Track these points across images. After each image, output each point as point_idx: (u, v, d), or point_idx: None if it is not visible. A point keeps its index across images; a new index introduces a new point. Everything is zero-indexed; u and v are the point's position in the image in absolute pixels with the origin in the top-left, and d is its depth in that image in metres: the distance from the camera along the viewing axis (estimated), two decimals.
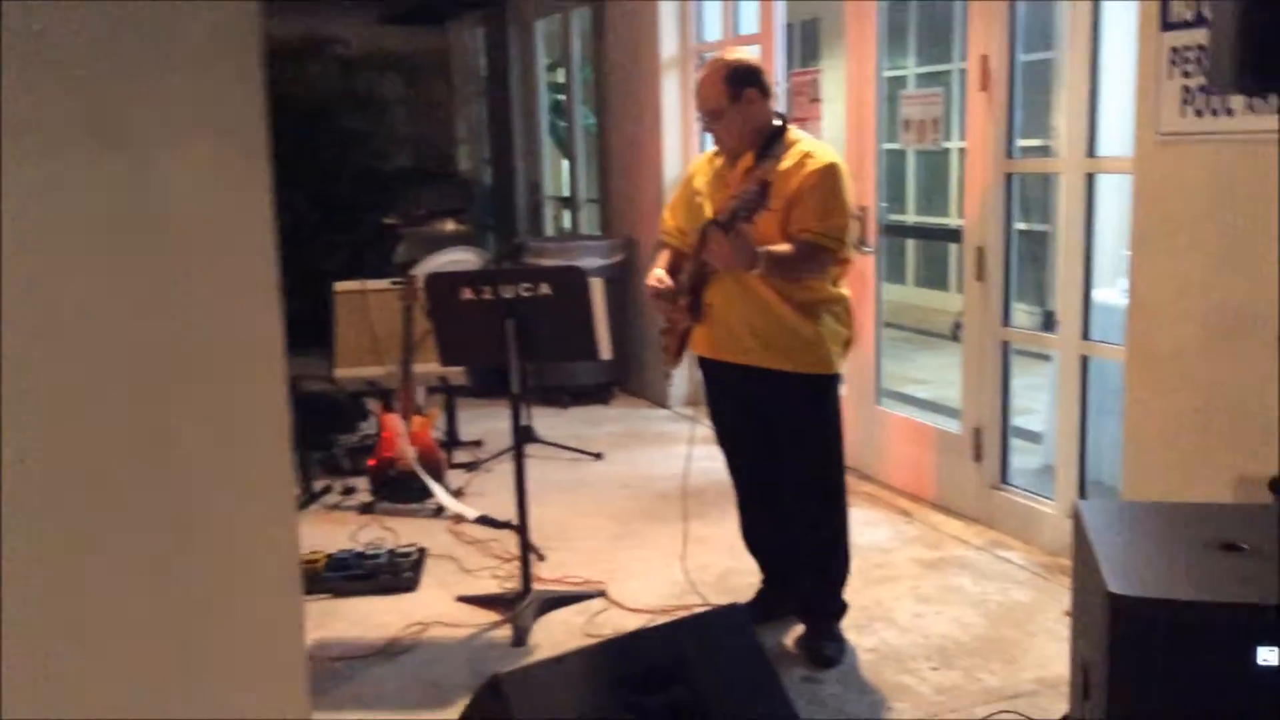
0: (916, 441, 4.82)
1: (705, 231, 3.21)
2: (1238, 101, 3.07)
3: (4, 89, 1.30)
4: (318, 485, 5.22)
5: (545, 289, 3.60)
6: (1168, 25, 3.27)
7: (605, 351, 3.77)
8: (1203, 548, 2.32)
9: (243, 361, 1.42)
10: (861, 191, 4.92)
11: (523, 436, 5.70)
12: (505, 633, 3.67)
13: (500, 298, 3.59)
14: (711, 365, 3.53)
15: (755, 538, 3.73)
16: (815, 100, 5.25)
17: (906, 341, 8.82)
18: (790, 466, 3.47)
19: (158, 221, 1.38)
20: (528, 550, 3.83)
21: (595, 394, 6.81)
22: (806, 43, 10.31)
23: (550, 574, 4.16)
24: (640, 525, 4.64)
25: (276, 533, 1.48)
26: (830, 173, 3.22)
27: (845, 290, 3.41)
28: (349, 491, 5.17)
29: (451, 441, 5.72)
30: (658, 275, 3.44)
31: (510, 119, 9.11)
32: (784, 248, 3.18)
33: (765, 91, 3.30)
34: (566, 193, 8.55)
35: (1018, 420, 5.03)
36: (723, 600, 3.82)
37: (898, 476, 4.93)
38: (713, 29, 6.03)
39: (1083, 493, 4.05)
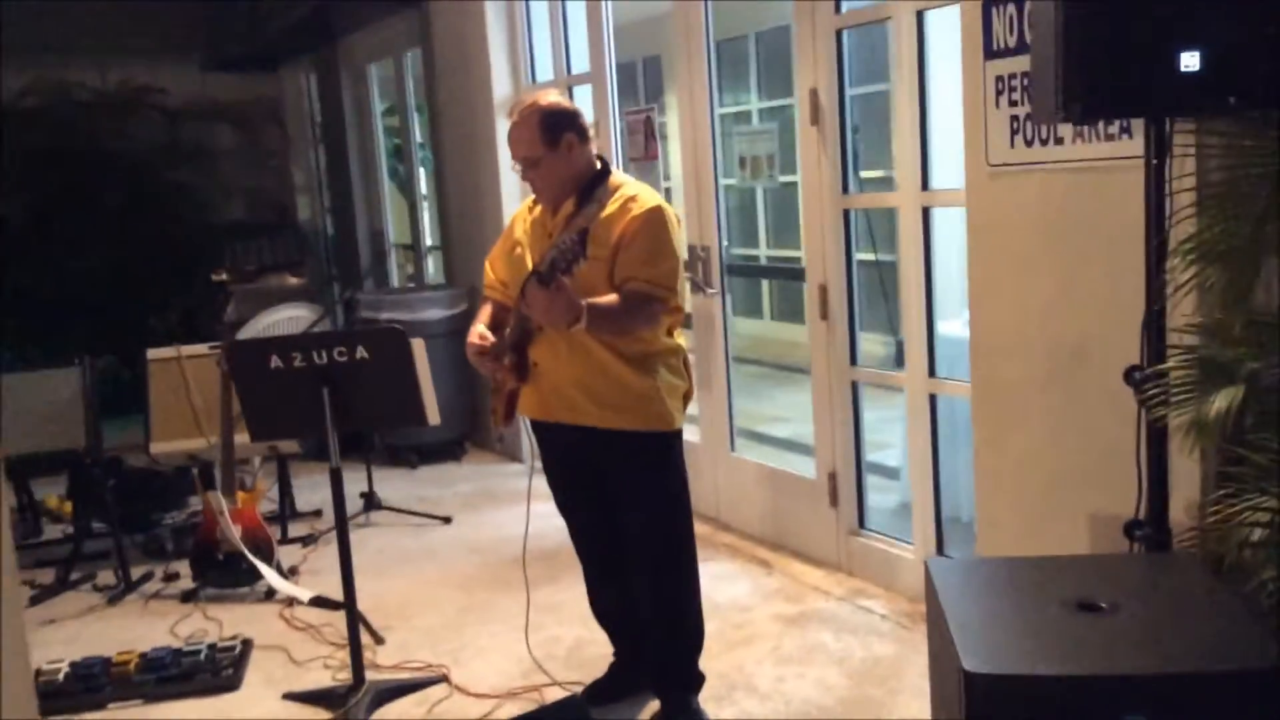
0: (773, 488, 4.66)
1: (525, 285, 2.98)
2: (1066, 130, 2.99)
3: None
4: (137, 573, 4.79)
5: (362, 352, 3.32)
6: (991, 53, 3.18)
7: (432, 416, 3.49)
8: (1060, 608, 2.18)
9: None
10: (702, 230, 4.79)
11: (366, 504, 5.48)
12: None
13: (313, 364, 3.30)
14: (542, 427, 3.28)
15: (602, 608, 3.49)
16: (651, 138, 5.08)
17: (767, 378, 8.73)
18: (632, 531, 3.24)
19: None
20: (358, 637, 3.51)
21: (446, 451, 6.49)
22: (650, 79, 10.22)
23: (390, 659, 3.86)
24: (488, 595, 4.36)
25: None
26: (655, 217, 3.01)
27: (681, 340, 3.21)
28: (172, 578, 4.76)
29: (286, 514, 5.34)
30: (480, 332, 3.18)
31: (348, 166, 8.75)
32: (609, 299, 2.97)
33: (584, 135, 3.07)
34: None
35: (876, 456, 4.93)
36: (573, 677, 3.60)
37: (757, 525, 4.75)
38: (545, 70, 5.83)
39: (939, 533, 3.92)
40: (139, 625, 4.32)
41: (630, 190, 3.08)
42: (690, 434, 5.15)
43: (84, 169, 8.87)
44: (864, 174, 4.13)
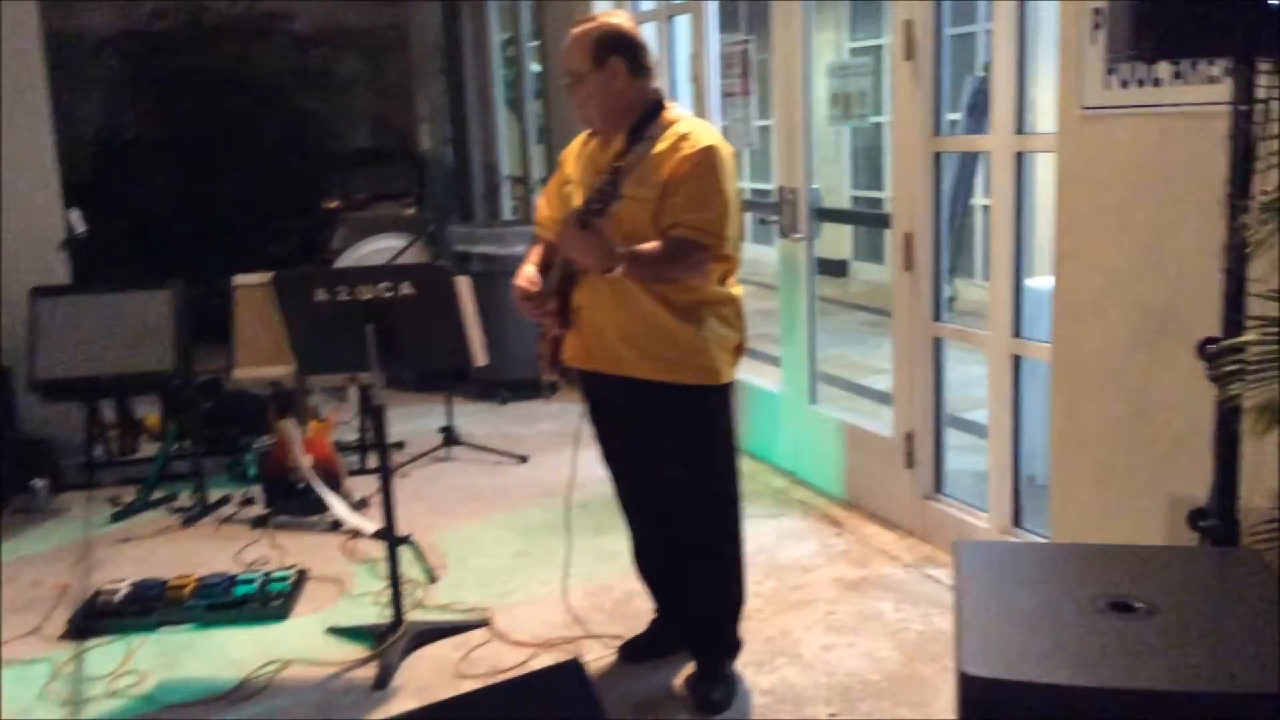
0: (851, 444, 4.43)
1: (561, 226, 2.83)
2: (1165, 70, 2.66)
3: None
4: (216, 496, 4.88)
5: (407, 289, 3.22)
6: None
7: (480, 358, 3.39)
8: (1088, 607, 1.94)
9: None
10: (791, 172, 4.54)
11: (446, 438, 5.45)
12: (370, 672, 3.31)
13: (358, 299, 3.22)
14: (586, 376, 3.14)
15: (644, 564, 3.35)
16: (746, 73, 4.84)
17: (879, 326, 8.41)
18: (674, 488, 3.09)
19: None
20: (398, 576, 3.46)
21: (536, 388, 6.43)
22: (756, 15, 9.84)
23: (440, 598, 3.82)
24: (549, 540, 4.26)
25: None
26: (706, 158, 2.80)
27: (736, 289, 3.01)
28: (248, 503, 4.83)
29: (367, 444, 5.35)
30: (527, 275, 3.05)
31: (465, 96, 8.70)
32: (651, 246, 2.79)
33: (637, 65, 2.87)
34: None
35: (974, 414, 4.65)
36: (616, 630, 3.49)
37: (834, 482, 4.54)
38: None
39: (1017, 502, 3.66)
40: (207, 549, 4.38)
41: (684, 127, 2.87)
42: (771, 384, 4.99)
43: (212, 93, 9.05)
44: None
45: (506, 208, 8.63)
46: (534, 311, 3.04)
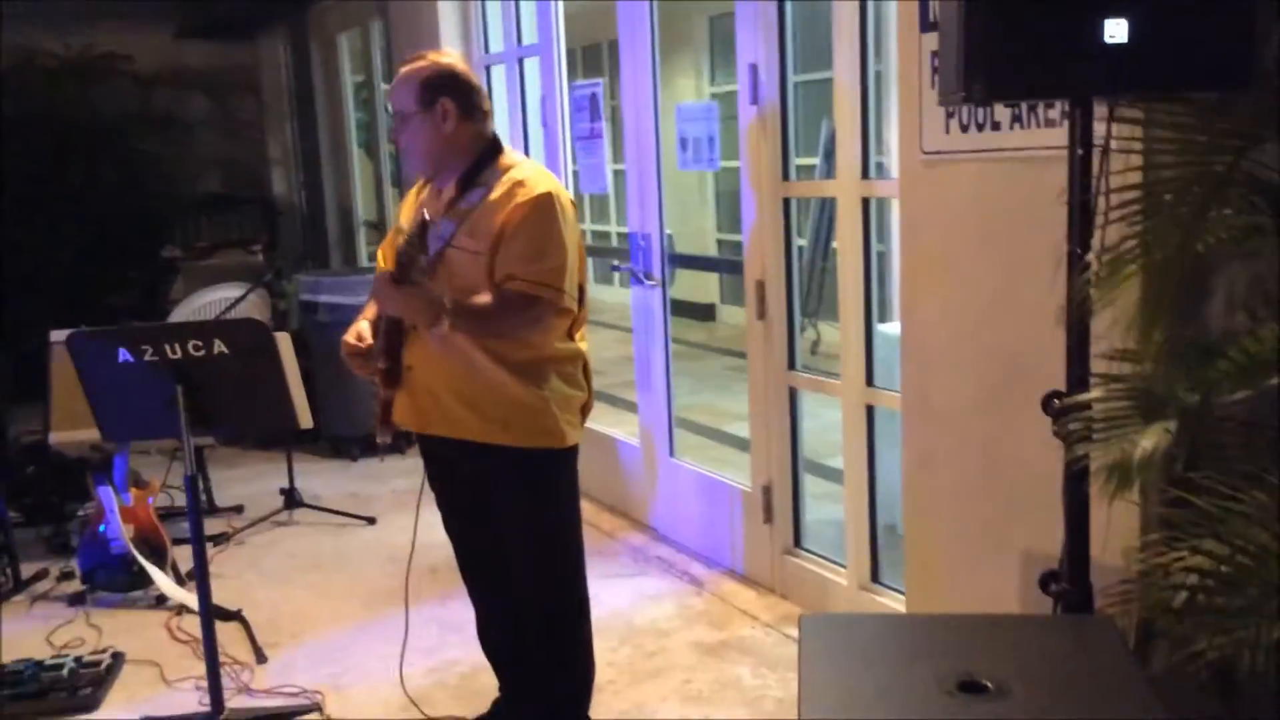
0: (709, 498, 4.29)
1: (377, 282, 2.63)
2: (1005, 114, 2.60)
3: None
4: (33, 570, 4.48)
5: (220, 347, 2.96)
6: (927, 25, 2.78)
7: (303, 419, 3.15)
8: (937, 687, 1.80)
9: None
10: (644, 218, 4.42)
11: (287, 500, 5.14)
12: None
13: (165, 359, 2.95)
14: (422, 439, 2.94)
15: (489, 638, 3.13)
16: (596, 119, 4.71)
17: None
18: (515, 556, 2.89)
19: None
20: (215, 662, 3.16)
21: (392, 444, 6.13)
22: (615, 61, 9.84)
23: (268, 680, 3.54)
24: (392, 609, 3.99)
25: None
26: (542, 205, 2.62)
27: (581, 344, 2.84)
28: (67, 576, 4.44)
29: (203, 510, 5.00)
30: (358, 329, 2.82)
31: (318, 139, 8.42)
32: (483, 299, 2.60)
33: (468, 108, 2.70)
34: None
35: (835, 460, 4.55)
36: (459, 710, 3.27)
37: (694, 538, 4.39)
38: (496, 42, 5.47)
39: (874, 555, 3.56)
40: (18, 629, 4.00)
41: (520, 173, 2.70)
42: (627, 435, 4.84)
43: (49, 138, 8.56)
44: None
45: (363, 254, 8.35)
46: (363, 370, 2.82)
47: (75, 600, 4.23)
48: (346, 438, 6.06)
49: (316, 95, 8.29)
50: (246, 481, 5.52)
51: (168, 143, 9.13)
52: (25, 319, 6.52)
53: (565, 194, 2.71)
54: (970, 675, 1.82)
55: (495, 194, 2.66)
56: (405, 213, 2.90)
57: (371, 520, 5.01)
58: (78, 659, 3.60)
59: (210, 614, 3.14)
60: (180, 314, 5.63)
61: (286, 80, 9.31)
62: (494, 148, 2.75)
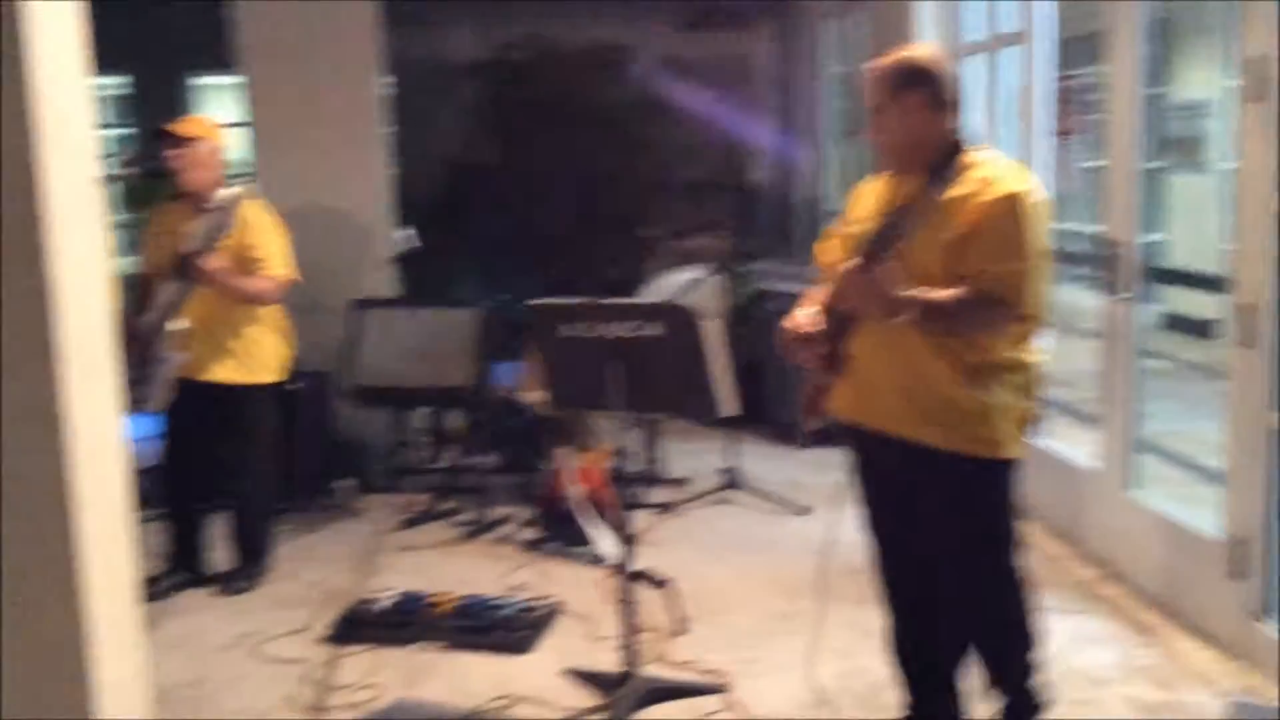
0: (1173, 541, 3.83)
1: (845, 270, 2.60)
2: None
3: None
4: (500, 514, 4.95)
5: (655, 329, 3.08)
6: None
7: (727, 407, 3.18)
8: None
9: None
10: (1114, 223, 4.02)
11: (727, 480, 5.27)
12: None
13: (603, 336, 3.11)
14: (854, 431, 2.89)
15: (900, 649, 3.01)
16: (1083, 112, 4.35)
17: None
18: (943, 568, 2.77)
19: None
20: (633, 627, 3.30)
21: (816, 433, 6.09)
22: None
23: (683, 653, 3.64)
24: (811, 604, 3.95)
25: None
26: (1013, 205, 2.54)
27: (1032, 355, 2.67)
28: (528, 525, 4.86)
29: (649, 478, 5.27)
30: (808, 314, 2.79)
31: (795, 128, 8.54)
32: (946, 294, 2.52)
33: (938, 103, 2.65)
34: None
35: None
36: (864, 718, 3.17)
37: (1150, 580, 3.95)
38: (975, 27, 5.22)
39: None
40: (477, 567, 4.44)
41: (988, 170, 2.61)
42: (1088, 457, 4.43)
43: (557, 121, 9.41)
44: None
45: None
46: (804, 353, 2.80)
47: (530, 547, 4.61)
48: (793, 425, 6.10)
49: (797, 84, 8.40)
50: (695, 456, 5.72)
51: (662, 130, 9.72)
52: (526, 284, 7.19)
53: (1037, 195, 2.59)
54: None
55: (960, 190, 2.58)
56: (858, 206, 2.86)
57: (805, 510, 5.01)
58: (519, 603, 3.91)
59: (630, 580, 3.28)
60: (644, 293, 5.94)
61: (771, 70, 9.55)
62: (962, 142, 2.67)
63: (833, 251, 2.89)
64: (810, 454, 6.00)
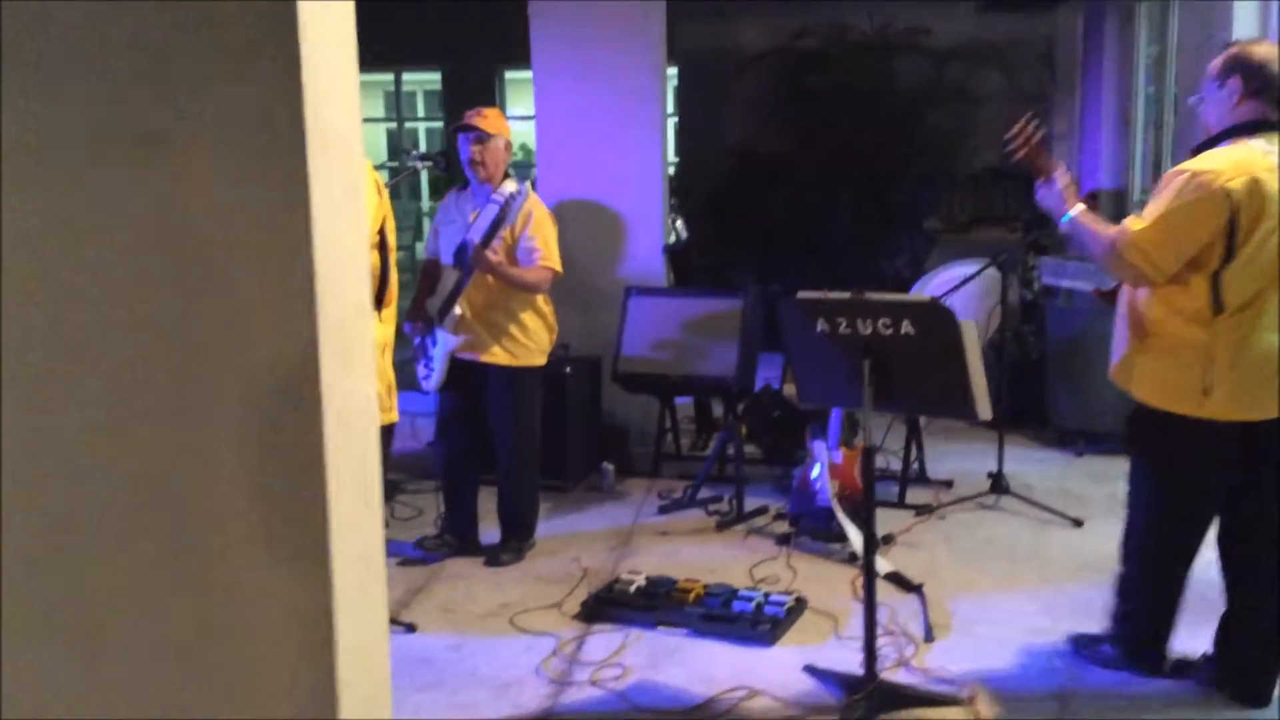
0: None
1: None
2: None
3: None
4: (755, 504, 4.97)
5: (907, 328, 3.00)
6: None
7: (983, 410, 3.05)
8: None
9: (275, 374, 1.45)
10: None
11: (993, 485, 5.05)
12: None
13: (856, 332, 3.06)
14: (1241, 426, 3.06)
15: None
16: None
17: None
18: None
19: (189, 233, 1.49)
20: (873, 628, 3.23)
21: (1118, 441, 5.71)
22: None
23: (929, 661, 3.54)
24: (1075, 624, 3.72)
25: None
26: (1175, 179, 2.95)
27: None
28: (780, 517, 4.86)
29: (910, 478, 5.13)
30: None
31: (1101, 114, 8.02)
32: None
33: (1255, 90, 2.94)
34: None
35: None
36: None
37: None
38: None
39: None
40: (728, 556, 4.47)
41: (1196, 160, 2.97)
42: None
43: (846, 109, 9.27)
44: None
45: None
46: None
47: (782, 540, 4.60)
48: (1073, 430, 5.78)
49: (1104, 68, 7.89)
50: (963, 457, 5.53)
51: (955, 116, 9.38)
52: (807, 276, 7.15)
53: (1215, 181, 2.85)
54: None
55: None
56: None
57: (1078, 523, 4.72)
58: (767, 595, 3.92)
59: (873, 581, 3.21)
60: (920, 287, 5.77)
61: (1078, 52, 8.99)
62: (1240, 128, 2.95)
63: None
64: (1088, 462, 5.66)
